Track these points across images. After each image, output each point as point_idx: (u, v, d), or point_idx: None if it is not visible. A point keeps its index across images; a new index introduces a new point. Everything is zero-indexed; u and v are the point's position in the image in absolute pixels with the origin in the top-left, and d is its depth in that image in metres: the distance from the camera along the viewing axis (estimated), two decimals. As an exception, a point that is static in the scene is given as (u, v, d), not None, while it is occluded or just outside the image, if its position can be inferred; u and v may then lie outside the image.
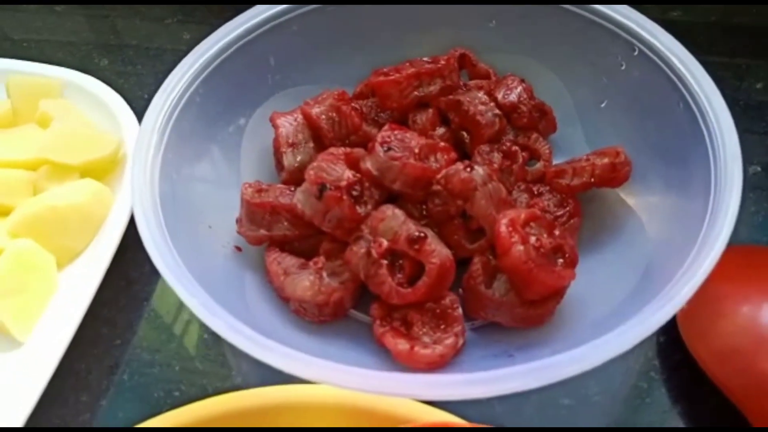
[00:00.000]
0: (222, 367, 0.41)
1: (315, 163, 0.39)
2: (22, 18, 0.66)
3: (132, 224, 0.43)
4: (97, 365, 0.41)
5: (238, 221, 0.42)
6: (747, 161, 0.37)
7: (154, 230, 0.35)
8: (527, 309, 0.37)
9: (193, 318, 0.43)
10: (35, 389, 0.37)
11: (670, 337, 0.38)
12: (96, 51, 0.61)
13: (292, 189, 0.41)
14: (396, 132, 0.40)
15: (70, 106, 0.50)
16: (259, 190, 0.41)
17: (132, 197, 0.36)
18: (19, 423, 0.36)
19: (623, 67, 0.45)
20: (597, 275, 0.40)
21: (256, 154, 0.47)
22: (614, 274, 0.40)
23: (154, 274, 0.44)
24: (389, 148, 0.39)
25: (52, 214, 0.42)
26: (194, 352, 0.42)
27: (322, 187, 0.38)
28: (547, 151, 0.44)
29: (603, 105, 0.46)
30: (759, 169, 0.47)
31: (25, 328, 0.40)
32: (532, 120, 0.44)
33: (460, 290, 0.39)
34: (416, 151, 0.39)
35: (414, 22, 0.49)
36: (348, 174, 0.39)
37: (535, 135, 0.45)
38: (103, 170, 0.46)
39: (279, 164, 0.44)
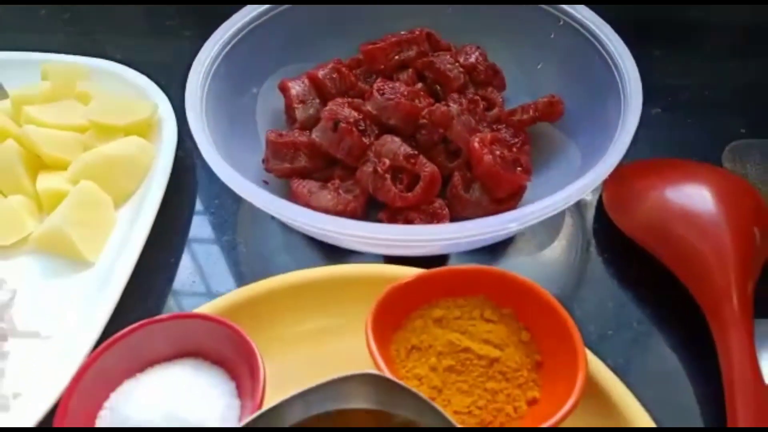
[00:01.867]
0: (257, 274, 0.51)
1: (328, 107, 0.50)
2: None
3: (172, 174, 0.53)
4: (157, 276, 0.49)
5: (265, 160, 0.52)
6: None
7: (212, 152, 0.45)
8: (496, 206, 0.49)
9: (225, 235, 0.53)
10: (110, 298, 0.45)
11: (601, 224, 0.51)
12: (108, 45, 0.70)
13: (306, 133, 0.52)
14: (388, 83, 0.52)
15: (102, 87, 0.59)
16: (280, 134, 0.52)
17: (197, 139, 0.46)
18: (100, 326, 0.44)
19: (552, 36, 0.58)
20: (544, 183, 0.52)
21: (267, 116, 0.58)
22: (557, 182, 0.52)
23: (191, 213, 0.55)
24: (384, 93, 0.51)
25: (105, 163, 0.51)
26: (233, 262, 0.51)
27: (336, 123, 0.49)
28: (500, 101, 0.57)
29: (539, 66, 0.60)
30: (659, 110, 0.62)
31: (94, 251, 0.48)
32: (488, 77, 0.57)
33: (444, 200, 0.50)
34: (405, 94, 0.51)
35: (387, 12, 0.61)
36: (354, 114, 0.50)
37: (490, 89, 0.57)
38: (143, 130, 0.55)
39: (290, 119, 0.55)
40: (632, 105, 0.49)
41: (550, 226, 0.52)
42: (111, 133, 0.54)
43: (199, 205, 0.55)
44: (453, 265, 0.42)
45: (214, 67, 0.54)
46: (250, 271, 0.51)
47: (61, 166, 0.53)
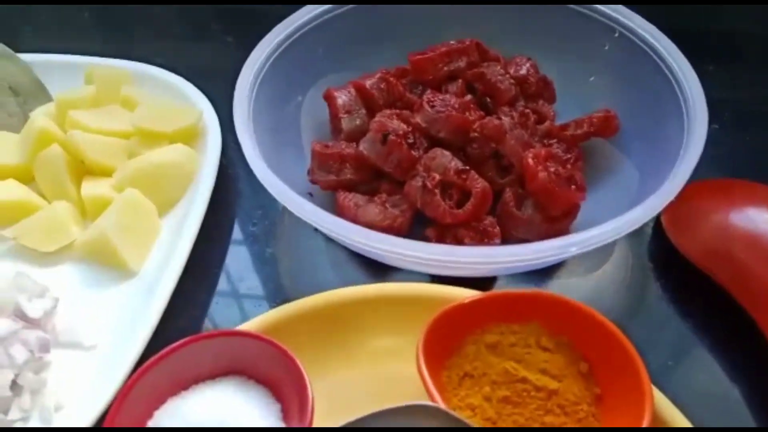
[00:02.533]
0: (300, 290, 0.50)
1: (377, 118, 0.49)
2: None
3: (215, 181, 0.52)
4: (200, 288, 0.49)
5: (310, 171, 0.51)
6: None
7: (259, 163, 0.44)
8: (549, 224, 0.47)
9: (269, 245, 0.52)
10: (155, 309, 0.44)
11: (659, 244, 0.49)
12: (150, 55, 0.70)
13: (352, 144, 0.51)
14: (438, 94, 0.50)
15: (146, 92, 0.59)
16: (326, 146, 0.51)
17: (244, 149, 0.46)
18: (145, 337, 0.43)
19: (606, 48, 0.56)
20: (599, 202, 0.50)
21: (312, 125, 0.57)
22: (612, 200, 0.50)
23: (235, 220, 0.54)
24: (434, 105, 0.49)
25: (151, 171, 0.51)
26: (275, 273, 0.50)
27: (385, 135, 0.48)
28: (552, 114, 0.55)
29: (592, 79, 0.58)
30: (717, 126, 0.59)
31: (138, 260, 0.48)
32: (539, 89, 0.55)
33: (495, 216, 0.49)
34: (455, 106, 0.49)
35: (433, 21, 0.60)
36: (403, 126, 0.49)
37: (541, 101, 0.55)
38: (188, 137, 0.54)
39: (335, 129, 0.54)
40: (696, 123, 0.47)
41: (604, 245, 0.50)
42: (156, 139, 0.53)
43: (241, 215, 0.54)
44: (504, 288, 0.41)
45: (262, 74, 0.53)
46: (293, 286, 0.50)
47: (106, 173, 0.52)
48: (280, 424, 0.37)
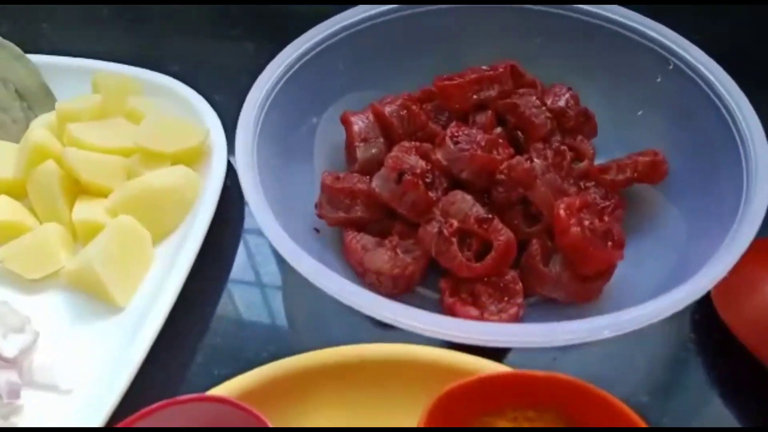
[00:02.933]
0: (305, 332, 0.46)
1: (393, 153, 0.44)
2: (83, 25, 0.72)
3: (217, 207, 0.48)
4: (190, 329, 0.45)
5: (318, 205, 0.47)
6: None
7: (259, 204, 0.40)
8: (580, 285, 0.42)
9: (274, 286, 0.48)
10: (138, 352, 0.41)
11: (705, 314, 0.43)
12: (167, 58, 0.66)
13: (366, 178, 0.46)
14: (462, 128, 0.45)
15: (154, 104, 0.55)
16: (337, 178, 0.46)
17: (242, 182, 0.41)
18: (124, 384, 0.40)
19: (659, 80, 0.50)
20: (639, 260, 0.44)
21: (326, 150, 0.52)
22: (655, 259, 0.45)
23: (237, 250, 0.50)
24: (457, 142, 0.44)
25: (148, 195, 0.47)
26: (279, 317, 0.46)
27: (401, 173, 0.43)
28: (591, 152, 0.49)
29: (640, 113, 0.52)
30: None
31: (125, 294, 0.44)
32: (578, 124, 0.50)
33: (518, 270, 0.44)
34: (482, 144, 0.44)
35: (466, 36, 0.55)
36: (421, 163, 0.44)
37: (580, 137, 0.50)
38: (192, 158, 0.50)
39: (350, 157, 0.49)
40: (758, 177, 0.41)
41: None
42: (158, 159, 0.50)
43: (243, 246, 0.50)
44: (521, 368, 0.35)
45: (275, 92, 0.48)
46: (293, 335, 0.46)
47: (102, 193, 0.49)
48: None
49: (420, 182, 0.43)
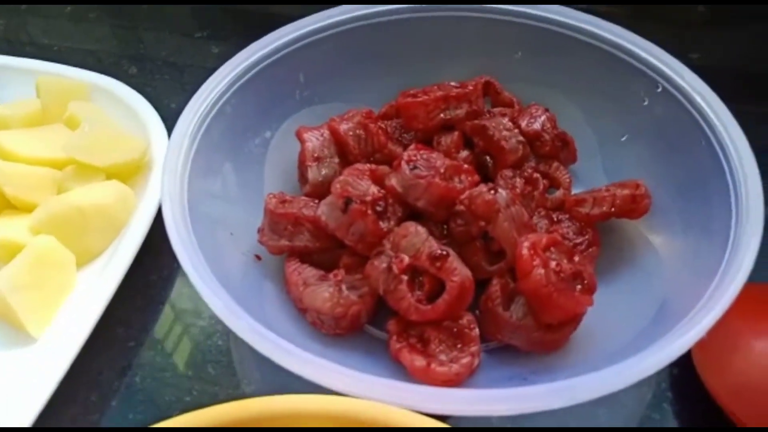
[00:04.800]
0: (233, 375, 0.41)
1: (342, 177, 0.40)
2: (52, 23, 0.68)
3: (152, 228, 0.44)
4: (109, 366, 0.40)
5: (260, 231, 0.42)
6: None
7: (183, 233, 0.36)
8: (544, 333, 0.37)
9: (208, 324, 0.43)
10: (47, 387, 0.37)
11: (684, 369, 0.38)
12: (124, 60, 0.62)
13: (316, 202, 0.42)
14: (422, 152, 0.41)
15: (98, 110, 0.51)
16: (283, 201, 0.42)
17: (162, 201, 0.36)
18: (29, 421, 0.36)
19: (646, 103, 0.46)
20: (613, 305, 0.40)
21: (281, 167, 0.47)
22: (630, 304, 0.40)
23: (171, 278, 0.45)
24: (415, 167, 0.39)
25: (76, 214, 0.43)
26: (207, 358, 0.41)
27: (347, 201, 0.38)
28: (567, 180, 0.45)
29: (624, 138, 0.47)
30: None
31: (39, 324, 0.40)
32: (554, 149, 0.45)
33: (477, 311, 0.39)
34: (441, 171, 0.39)
35: (441, 48, 0.50)
36: (373, 189, 0.39)
37: (556, 164, 0.45)
38: (129, 173, 0.46)
39: (303, 177, 0.45)
40: (748, 221, 0.36)
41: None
42: (90, 173, 0.45)
43: (179, 273, 0.46)
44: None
45: (221, 102, 0.44)
46: (222, 378, 0.41)
47: (29, 208, 0.45)
48: None
49: (369, 211, 0.38)
